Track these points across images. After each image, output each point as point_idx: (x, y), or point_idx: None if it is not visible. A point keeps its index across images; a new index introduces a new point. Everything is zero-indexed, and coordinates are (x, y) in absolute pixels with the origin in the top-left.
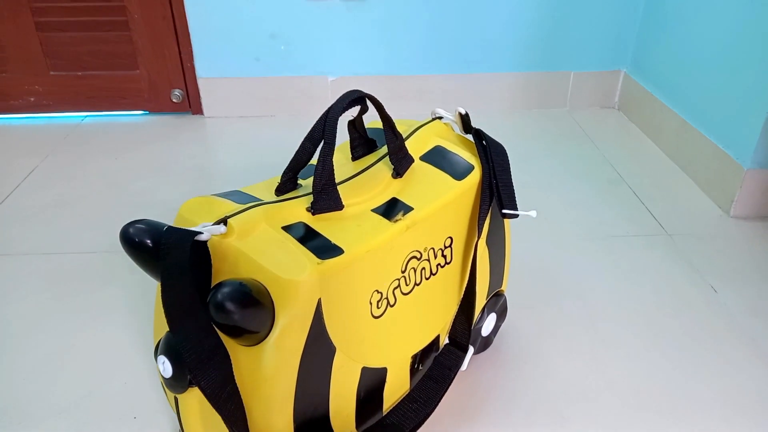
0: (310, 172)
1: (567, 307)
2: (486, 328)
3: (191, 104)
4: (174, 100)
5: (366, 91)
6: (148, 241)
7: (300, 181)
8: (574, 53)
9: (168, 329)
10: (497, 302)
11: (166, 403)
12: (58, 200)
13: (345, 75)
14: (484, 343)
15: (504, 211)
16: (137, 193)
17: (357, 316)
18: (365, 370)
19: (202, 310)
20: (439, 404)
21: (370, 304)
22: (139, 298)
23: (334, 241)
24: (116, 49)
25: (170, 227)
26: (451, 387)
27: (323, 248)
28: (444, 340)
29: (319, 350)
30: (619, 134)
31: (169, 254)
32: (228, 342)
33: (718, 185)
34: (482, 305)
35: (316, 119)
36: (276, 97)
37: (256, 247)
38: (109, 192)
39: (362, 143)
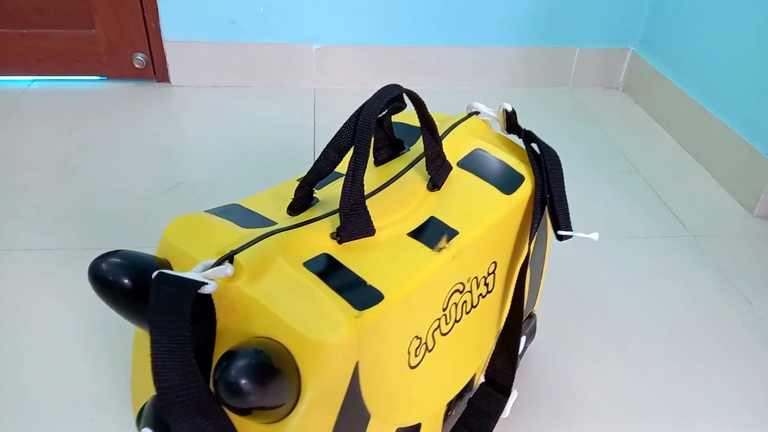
0: (327, 180)
1: (592, 322)
2: None
3: (156, 71)
4: (136, 65)
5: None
6: (126, 281)
7: (316, 193)
8: (579, 27)
9: (153, 392)
10: (528, 324)
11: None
12: (3, 187)
13: (331, 44)
14: None
15: (560, 232)
16: (91, 179)
17: (394, 372)
18: (400, 430)
19: (206, 386)
20: None
21: (408, 353)
22: (96, 313)
23: (369, 281)
24: (68, 5)
25: (162, 273)
26: None
27: (358, 293)
28: (479, 379)
29: (352, 421)
30: (625, 117)
31: (164, 316)
32: (238, 420)
33: (740, 180)
34: None
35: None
36: (253, 66)
37: (273, 294)
38: (58, 177)
39: (388, 144)
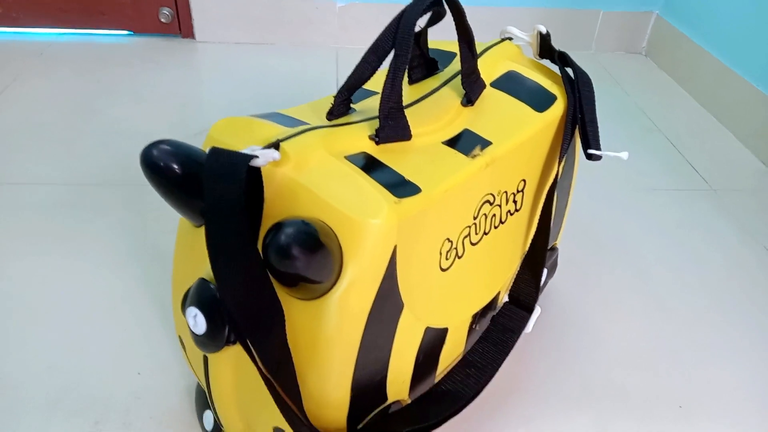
0: (361, 96)
1: (613, 266)
2: None
3: (181, 26)
4: (162, 20)
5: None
6: (175, 167)
7: (353, 106)
8: None
9: (198, 276)
10: (550, 257)
11: (173, 356)
12: (29, 125)
13: (355, 1)
14: None
15: (590, 151)
16: (116, 122)
17: (427, 268)
18: (428, 331)
19: (256, 255)
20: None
21: (440, 254)
22: (129, 236)
23: (407, 176)
24: None
25: (215, 148)
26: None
27: (397, 185)
28: (503, 299)
29: (387, 308)
30: (648, 81)
31: (219, 183)
32: (281, 294)
33: (761, 136)
34: None
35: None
36: (277, 23)
37: (318, 180)
38: (83, 118)
39: (422, 63)
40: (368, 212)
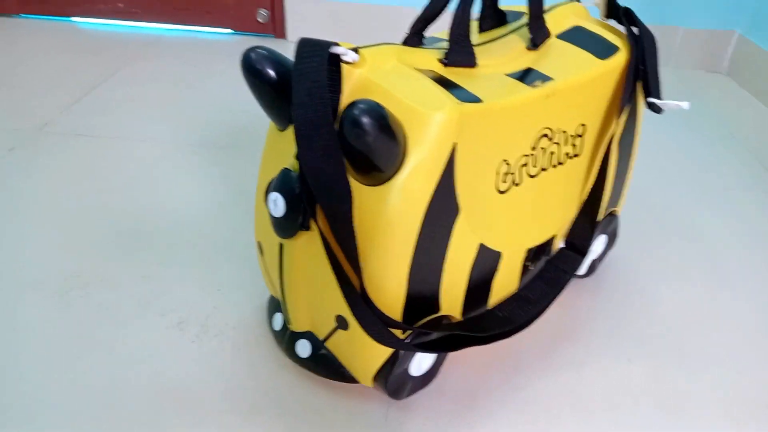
0: (430, 43)
1: (677, 242)
2: (595, 250)
3: (275, 27)
4: (259, 20)
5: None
6: (271, 71)
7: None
8: (684, 6)
9: (282, 167)
10: (610, 223)
11: (250, 280)
12: (138, 96)
13: None
14: (590, 268)
15: (650, 99)
16: (213, 97)
17: (483, 183)
18: (482, 250)
19: (334, 132)
20: (539, 325)
21: (497, 174)
22: (220, 182)
23: (469, 90)
24: None
25: (305, 38)
26: (550, 311)
27: (461, 93)
28: (558, 245)
29: (444, 205)
30: (729, 98)
31: (305, 62)
32: (351, 181)
33: None
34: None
35: None
36: (366, 28)
37: (389, 79)
38: (181, 93)
39: (492, 14)
40: (432, 106)
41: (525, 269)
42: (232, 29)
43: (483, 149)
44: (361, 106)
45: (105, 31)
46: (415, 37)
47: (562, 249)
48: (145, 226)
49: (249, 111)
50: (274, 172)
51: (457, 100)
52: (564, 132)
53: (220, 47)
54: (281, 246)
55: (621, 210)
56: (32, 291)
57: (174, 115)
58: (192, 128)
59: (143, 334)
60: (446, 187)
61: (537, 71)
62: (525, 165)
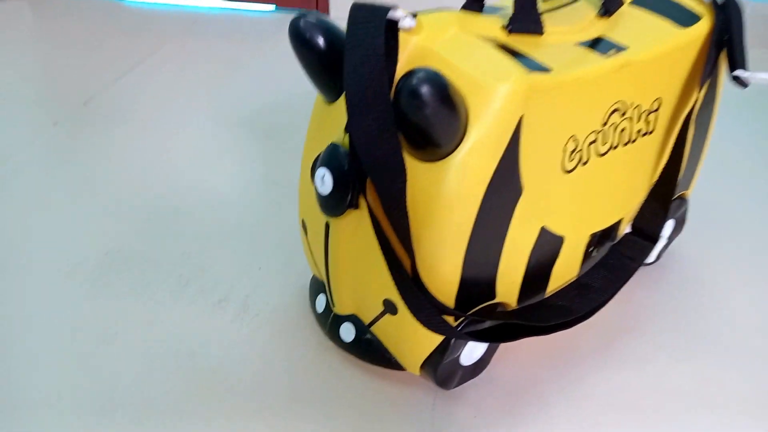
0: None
1: (749, 233)
2: (662, 237)
3: (318, 1)
4: None
5: None
6: (320, 40)
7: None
8: None
9: (330, 142)
10: (680, 207)
11: (292, 259)
12: (179, 74)
13: None
14: (657, 256)
15: (736, 73)
16: (261, 75)
17: (549, 162)
18: (543, 234)
19: (389, 102)
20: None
21: (564, 152)
22: (264, 161)
23: (537, 60)
24: None
25: (359, 2)
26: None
27: (528, 62)
28: (624, 230)
29: (506, 185)
30: None
31: (359, 28)
32: (405, 156)
33: None
34: None
35: None
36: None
37: (449, 47)
38: (229, 71)
39: None
40: (497, 76)
41: (587, 255)
42: (275, 4)
43: (550, 124)
44: (421, 75)
45: (148, 9)
46: (475, 4)
47: (628, 235)
48: (186, 204)
49: (294, 89)
50: (320, 148)
51: (525, 69)
52: (637, 107)
53: (263, 24)
54: (327, 225)
55: (691, 193)
56: (71, 267)
57: (217, 93)
58: (235, 106)
59: (182, 313)
60: (509, 165)
61: (609, 40)
62: (594, 142)
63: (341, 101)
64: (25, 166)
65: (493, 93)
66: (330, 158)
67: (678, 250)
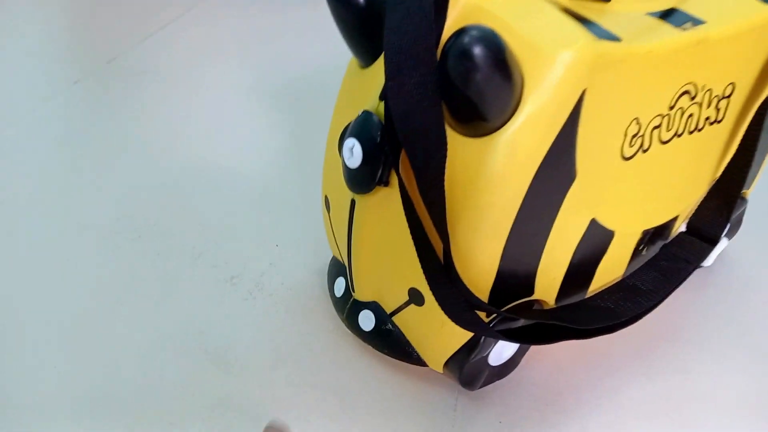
0: None
1: None
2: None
3: None
4: None
5: None
6: None
7: None
8: None
9: (362, 110)
10: (738, 207)
11: (312, 237)
12: (211, 38)
13: None
14: (713, 258)
15: None
16: (295, 42)
17: (608, 146)
18: (592, 227)
19: (432, 65)
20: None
21: (625, 136)
22: (292, 130)
23: (605, 27)
24: None
25: None
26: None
27: (595, 29)
28: (678, 228)
29: (559, 168)
30: None
31: None
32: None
33: None
34: None
35: None
36: None
37: (506, 7)
38: (261, 36)
39: None
40: (560, 42)
41: (636, 254)
42: None
43: (615, 102)
44: (474, 33)
45: None
46: None
47: (682, 234)
48: (205, 173)
49: (328, 62)
50: (351, 117)
51: (592, 36)
52: (709, 91)
53: None
54: (353, 202)
55: (751, 192)
56: (79, 232)
57: (246, 59)
58: (264, 74)
59: (192, 287)
60: (564, 146)
61: (684, 12)
62: (657, 127)
63: (378, 65)
64: (41, 123)
65: (554, 60)
66: (361, 128)
67: (729, 251)
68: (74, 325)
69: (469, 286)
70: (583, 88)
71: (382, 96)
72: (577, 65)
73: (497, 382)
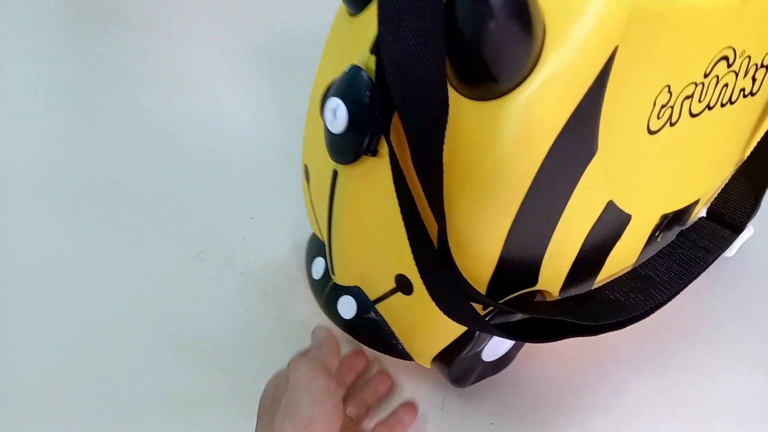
0: None
1: None
2: None
3: None
4: None
5: None
6: None
7: None
8: None
9: (350, 64)
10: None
11: (290, 210)
12: None
13: None
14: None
15: None
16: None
17: (634, 117)
18: (609, 209)
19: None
20: (654, 315)
21: (654, 105)
22: (280, 91)
23: None
24: None
25: None
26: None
27: None
28: (697, 213)
29: (577, 141)
30: None
31: None
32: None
33: None
34: None
35: None
36: None
37: None
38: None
39: None
40: None
41: (650, 240)
42: None
43: (648, 66)
44: None
45: None
46: None
47: (702, 219)
48: (174, 134)
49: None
50: (336, 72)
51: None
52: (747, 58)
53: None
54: (335, 173)
55: None
56: (35, 195)
57: (226, 11)
58: (256, 34)
59: (154, 262)
60: (588, 114)
61: None
62: (689, 97)
63: (370, 12)
64: (1, 77)
65: (586, 10)
66: (347, 85)
67: (752, 241)
68: (25, 300)
69: (465, 274)
70: (615, 45)
71: (374, 49)
72: (612, 17)
73: (490, 378)
